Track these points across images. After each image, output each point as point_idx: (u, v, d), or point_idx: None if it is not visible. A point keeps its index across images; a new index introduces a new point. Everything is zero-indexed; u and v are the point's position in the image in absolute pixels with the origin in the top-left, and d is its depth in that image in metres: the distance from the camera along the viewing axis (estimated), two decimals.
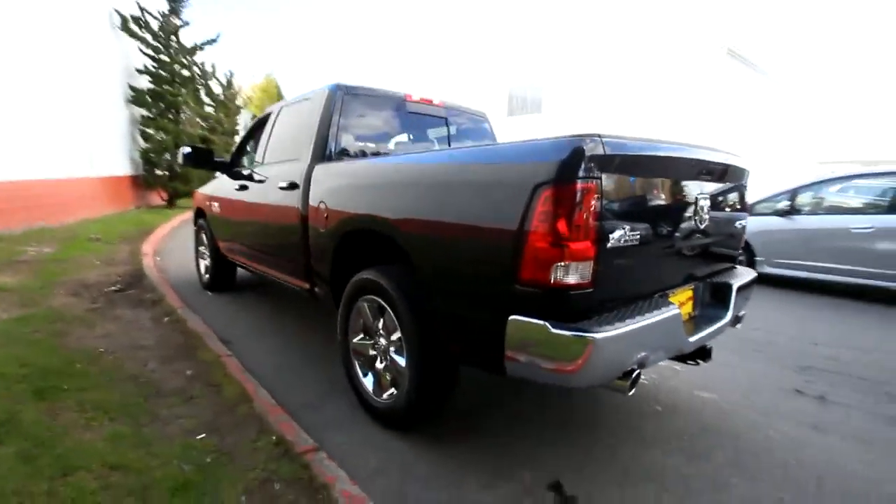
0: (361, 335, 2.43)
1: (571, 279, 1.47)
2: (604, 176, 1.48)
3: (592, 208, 1.45)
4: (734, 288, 2.20)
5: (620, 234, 1.55)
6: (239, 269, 4.49)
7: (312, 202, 2.70)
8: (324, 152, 2.81)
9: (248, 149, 4.33)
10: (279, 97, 31.68)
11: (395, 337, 2.18)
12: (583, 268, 1.47)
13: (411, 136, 3.37)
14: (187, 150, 4.05)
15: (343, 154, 2.87)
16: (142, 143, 11.46)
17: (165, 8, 11.83)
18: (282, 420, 2.11)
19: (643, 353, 1.60)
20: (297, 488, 1.71)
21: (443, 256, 1.85)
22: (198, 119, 13.05)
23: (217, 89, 16.25)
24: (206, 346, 3.01)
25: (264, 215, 3.33)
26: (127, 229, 8.41)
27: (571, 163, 1.44)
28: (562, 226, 1.44)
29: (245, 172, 3.76)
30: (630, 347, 1.55)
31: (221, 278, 4.69)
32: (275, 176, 3.21)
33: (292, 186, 2.90)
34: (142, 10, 11.05)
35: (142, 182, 11.77)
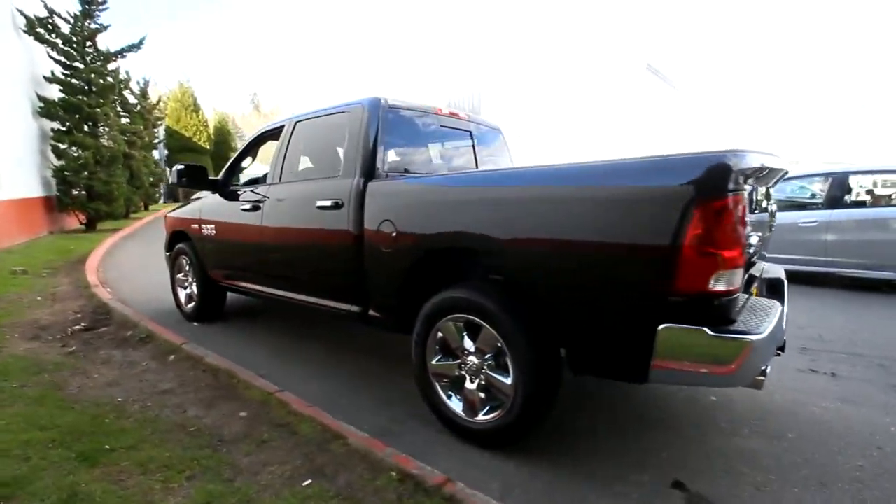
0: (440, 356, 2.37)
1: (724, 286, 1.57)
2: (746, 187, 1.60)
3: (740, 219, 1.57)
4: (785, 282, 2.45)
5: (751, 241, 1.69)
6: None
7: (370, 221, 2.58)
8: (372, 169, 2.71)
9: (244, 166, 4.05)
10: (195, 108, 29.51)
11: (490, 355, 2.15)
12: (734, 275, 1.58)
13: (447, 151, 3.35)
14: (181, 167, 3.69)
15: (392, 171, 2.78)
16: (54, 161, 10.11)
17: (77, 9, 10.58)
18: (393, 453, 1.99)
19: (773, 349, 1.74)
20: None
21: (567, 273, 1.86)
22: (118, 132, 11.77)
23: (132, 99, 14.86)
24: (247, 382, 2.74)
25: (293, 237, 3.12)
26: (51, 258, 7.38)
27: (723, 178, 1.54)
28: (718, 236, 1.53)
29: (255, 191, 3.49)
30: (771, 345, 1.68)
31: (211, 307, 4.29)
32: (305, 194, 3.02)
33: (337, 206, 2.75)
34: (49, 11, 9.80)
35: (55, 203, 10.37)
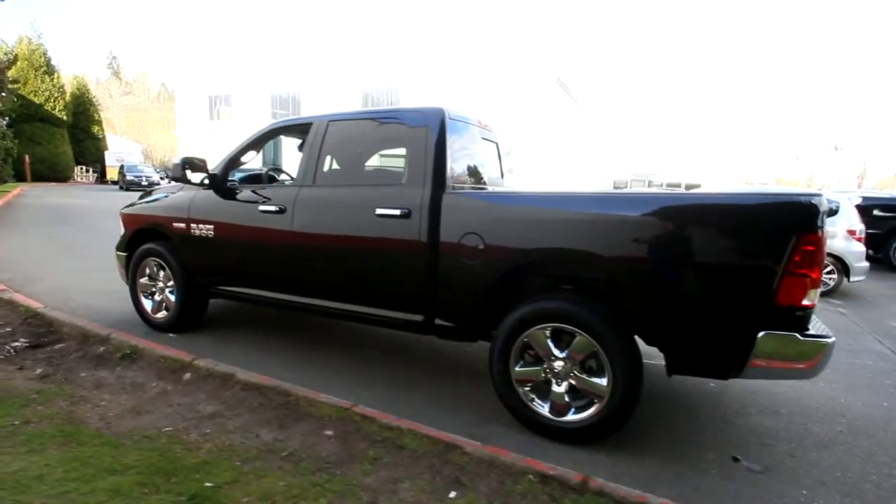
0: (523, 362, 2.53)
1: (811, 301, 2.00)
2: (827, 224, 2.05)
3: (824, 248, 2.01)
4: None
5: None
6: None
7: (450, 233, 2.62)
8: (443, 181, 2.74)
9: (244, 161, 3.70)
10: (48, 70, 24.70)
11: (581, 360, 2.38)
12: (816, 292, 2.02)
13: (484, 162, 3.45)
14: (185, 158, 3.27)
15: (456, 182, 2.83)
16: None
17: None
18: (519, 457, 2.11)
19: None
20: None
21: (678, 287, 2.15)
22: None
23: None
24: (309, 399, 2.59)
25: (339, 244, 2.98)
26: None
27: (816, 215, 1.96)
28: (813, 262, 1.95)
29: (275, 193, 3.24)
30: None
31: (192, 316, 3.85)
32: (356, 201, 2.92)
33: (405, 215, 2.73)
34: None
35: None
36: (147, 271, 3.93)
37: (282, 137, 3.83)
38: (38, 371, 2.99)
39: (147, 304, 3.96)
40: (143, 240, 3.94)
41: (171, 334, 3.80)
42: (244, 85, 24.78)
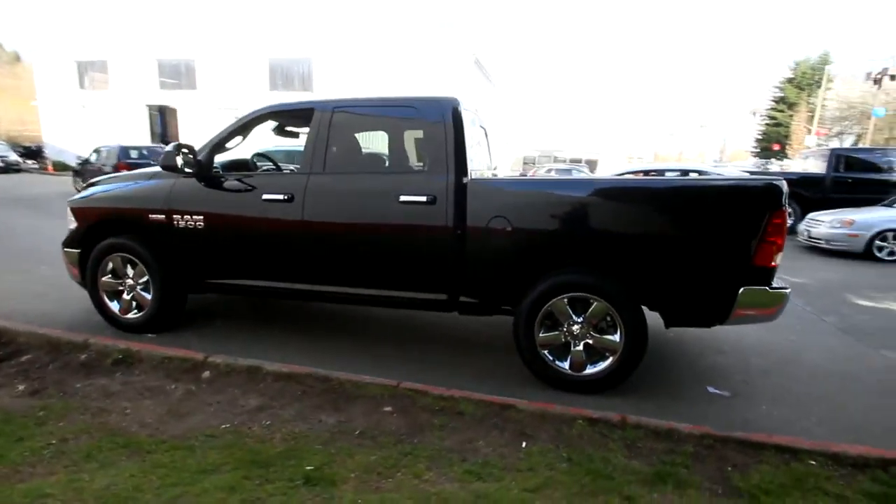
0: (544, 329, 2.88)
1: (776, 262, 2.59)
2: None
3: (787, 220, 2.59)
4: None
5: None
6: None
7: (477, 217, 2.83)
8: (464, 167, 2.93)
9: (229, 147, 3.51)
10: None
11: (597, 322, 2.79)
12: (781, 255, 2.61)
13: (480, 147, 3.65)
14: (171, 147, 3.03)
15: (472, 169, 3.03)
16: None
17: None
18: (566, 407, 2.47)
19: None
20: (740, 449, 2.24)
21: (673, 255, 2.62)
22: None
23: None
24: (353, 381, 2.69)
25: (360, 231, 3.03)
26: None
27: (781, 195, 2.52)
28: (780, 231, 2.52)
29: (282, 180, 3.16)
30: None
31: (172, 314, 3.61)
32: (377, 189, 2.99)
33: (430, 202, 2.88)
34: None
35: None
36: (109, 269, 3.57)
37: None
38: (21, 388, 2.66)
39: (114, 305, 3.62)
40: (102, 234, 3.56)
41: (149, 334, 3.54)
42: (123, 49, 21.43)
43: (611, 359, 2.81)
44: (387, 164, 3.27)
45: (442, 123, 2.96)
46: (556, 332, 2.87)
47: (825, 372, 3.31)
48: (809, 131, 32.37)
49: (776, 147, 42.62)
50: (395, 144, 3.17)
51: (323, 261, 3.17)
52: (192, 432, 2.22)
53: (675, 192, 2.73)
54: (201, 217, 3.29)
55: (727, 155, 49.41)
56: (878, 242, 7.03)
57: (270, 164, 4.05)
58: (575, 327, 2.83)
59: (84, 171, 13.99)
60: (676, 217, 2.65)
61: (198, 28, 20.60)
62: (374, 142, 3.25)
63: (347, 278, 3.16)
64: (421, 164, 2.98)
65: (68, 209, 3.71)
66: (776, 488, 1.97)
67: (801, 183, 9.56)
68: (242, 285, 3.38)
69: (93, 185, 3.89)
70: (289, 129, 4.03)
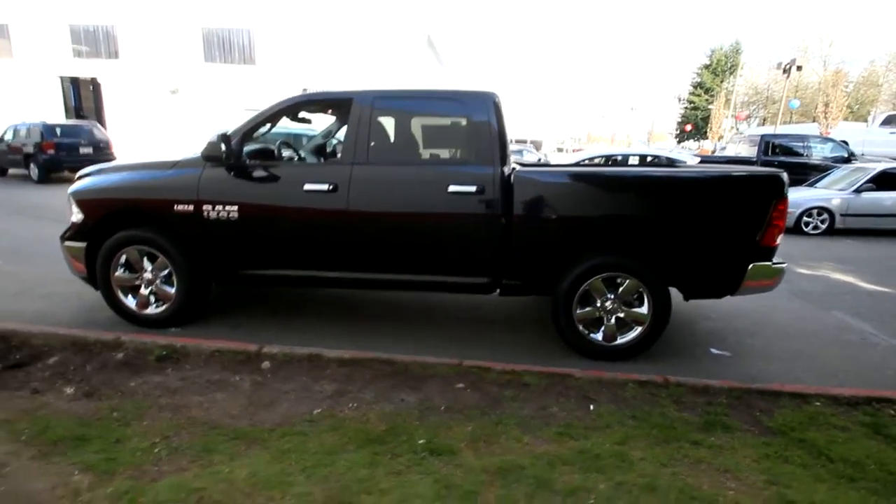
0: (581, 306, 3.19)
1: (778, 242, 3.05)
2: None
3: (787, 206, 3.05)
4: None
5: None
6: None
7: (523, 205, 3.04)
8: (506, 158, 3.12)
9: (258, 134, 3.43)
10: None
11: (629, 298, 3.14)
12: (781, 236, 3.07)
13: None
14: (217, 136, 2.94)
15: None
16: None
17: None
18: (617, 374, 2.80)
19: None
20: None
21: (695, 237, 3.01)
22: None
23: None
24: (418, 363, 2.84)
25: (408, 220, 3.14)
26: None
27: (784, 185, 2.97)
28: (783, 216, 2.98)
29: (323, 170, 3.17)
30: None
31: (199, 305, 3.53)
32: (426, 179, 3.10)
33: (480, 191, 3.04)
34: None
35: None
36: (123, 262, 3.40)
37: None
38: (69, 391, 2.54)
39: (129, 301, 3.46)
40: (112, 227, 3.37)
41: (172, 329, 3.44)
42: (27, 11, 18.67)
43: (639, 329, 3.19)
44: (432, 155, 3.37)
45: (487, 116, 3.11)
46: (591, 308, 3.19)
47: (795, 331, 3.93)
48: (727, 116, 35.51)
49: (688, 128, 46.45)
50: (440, 136, 3.28)
51: (367, 249, 3.24)
52: (289, 420, 2.29)
53: (698, 182, 3.11)
54: (236, 207, 3.22)
55: (652, 137, 53.14)
56: (805, 218, 8.14)
57: (292, 152, 3.96)
58: (608, 303, 3.17)
59: None
60: (700, 204, 3.03)
61: None
62: (416, 133, 3.32)
63: (391, 265, 3.27)
64: (465, 155, 3.12)
65: (70, 200, 3.45)
66: (797, 425, 2.43)
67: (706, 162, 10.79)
68: (279, 275, 3.37)
69: (91, 174, 3.62)
70: (303, 115, 3.95)
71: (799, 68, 24.36)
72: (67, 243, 3.47)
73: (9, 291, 4.12)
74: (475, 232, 3.13)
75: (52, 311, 3.71)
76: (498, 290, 3.28)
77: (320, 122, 4.57)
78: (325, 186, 3.14)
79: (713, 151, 23.17)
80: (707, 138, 39.79)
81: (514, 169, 3.12)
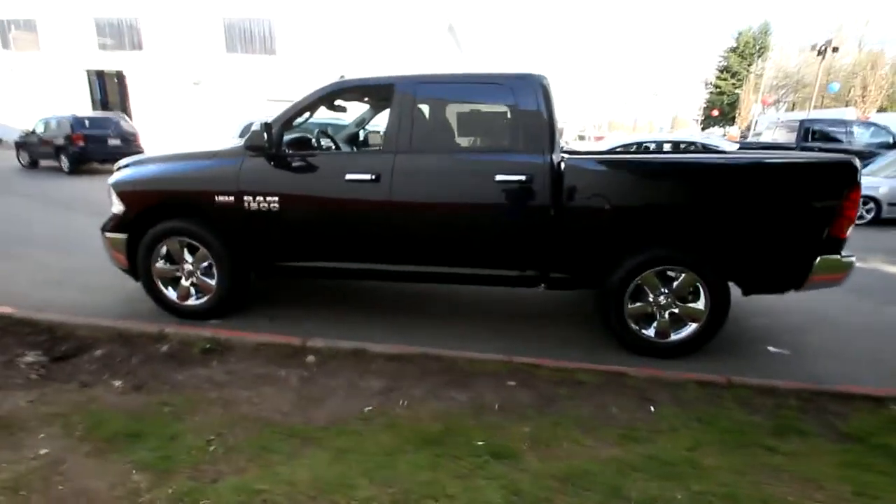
0: (632, 300, 3.05)
1: (847, 233, 2.85)
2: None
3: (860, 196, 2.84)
4: None
5: None
6: None
7: (574, 196, 2.90)
8: (555, 146, 2.97)
9: (296, 123, 3.35)
10: None
11: (682, 292, 2.98)
12: (851, 228, 2.87)
13: None
14: (260, 125, 2.88)
15: None
16: None
17: None
18: (676, 373, 2.67)
19: None
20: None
21: (760, 228, 2.83)
22: None
23: None
24: (465, 359, 2.76)
25: (453, 211, 3.03)
26: None
27: (857, 172, 2.76)
28: (855, 206, 2.78)
29: (364, 159, 3.08)
30: None
31: (237, 298, 3.49)
32: (472, 168, 2.98)
33: (528, 181, 2.91)
34: None
35: None
36: (163, 253, 3.38)
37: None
38: (118, 384, 2.53)
39: (171, 292, 3.45)
40: (153, 218, 3.35)
41: (213, 321, 3.41)
42: (53, 5, 18.93)
43: (694, 326, 3.03)
44: (478, 142, 3.24)
45: (535, 101, 2.97)
46: (643, 303, 3.05)
47: (854, 328, 3.72)
48: (755, 101, 34.30)
49: (715, 113, 45.05)
50: (485, 122, 3.15)
51: (410, 241, 3.15)
52: (342, 417, 2.23)
53: (763, 168, 2.91)
54: (276, 198, 3.15)
55: (677, 123, 51.76)
56: None
57: (329, 141, 3.88)
58: (661, 298, 3.02)
59: (29, 145, 12.64)
60: (764, 193, 2.83)
61: None
62: (460, 119, 3.20)
63: (434, 257, 3.17)
64: (513, 143, 2.98)
65: (111, 191, 3.43)
66: (876, 430, 2.27)
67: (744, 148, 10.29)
68: (317, 267, 3.31)
69: (129, 165, 3.60)
70: (339, 103, 3.86)
71: (835, 50, 23.28)
72: (108, 234, 3.47)
73: (49, 281, 4.16)
74: (522, 223, 3.01)
75: (94, 302, 3.73)
76: (544, 284, 3.17)
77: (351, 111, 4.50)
78: (367, 176, 3.05)
79: (742, 137, 22.42)
80: (734, 124, 38.59)
81: (563, 157, 2.98)
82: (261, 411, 2.27)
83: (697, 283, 2.95)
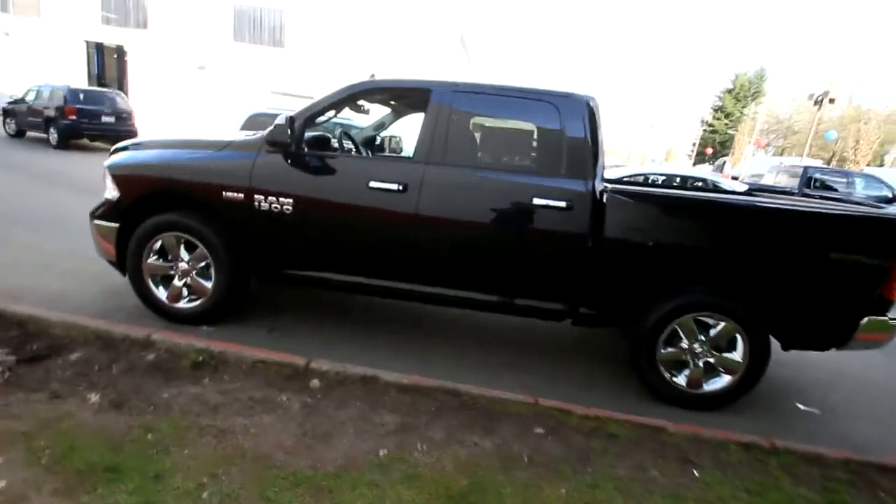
0: (666, 346, 2.84)
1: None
2: None
3: None
4: None
5: None
6: None
7: (616, 227, 2.69)
8: (601, 173, 2.77)
9: (319, 121, 3.10)
10: None
11: (719, 341, 2.78)
12: None
13: None
14: (285, 118, 2.62)
15: None
16: None
17: None
18: (717, 431, 2.45)
19: None
20: None
21: (810, 281, 2.65)
22: None
23: None
24: (486, 397, 2.50)
25: (480, 231, 2.79)
26: None
27: None
28: None
29: (391, 167, 2.84)
30: None
31: (234, 302, 3.19)
32: (506, 188, 2.76)
33: (567, 207, 2.70)
34: None
35: None
36: (157, 248, 3.07)
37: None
38: (94, 398, 2.20)
39: (161, 292, 3.13)
40: (150, 208, 3.04)
41: (204, 327, 3.11)
42: None
43: (729, 377, 2.83)
44: (516, 161, 3.02)
45: (581, 123, 2.77)
46: (677, 350, 2.84)
47: (877, 386, 3.58)
48: (749, 142, 35.07)
49: (709, 151, 45.99)
50: (525, 140, 2.93)
51: (433, 260, 2.90)
52: (354, 461, 1.95)
53: (823, 219, 2.74)
54: (290, 200, 2.88)
55: (670, 156, 52.64)
56: None
57: (351, 144, 3.62)
58: (696, 345, 2.82)
59: (17, 113, 12.07)
60: (820, 244, 2.66)
61: None
62: (498, 134, 2.98)
63: (457, 280, 2.93)
64: (554, 165, 2.77)
65: (107, 174, 3.12)
66: None
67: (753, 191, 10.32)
68: (329, 279, 3.03)
69: (129, 147, 3.29)
70: (363, 104, 3.61)
71: (832, 101, 23.92)
72: (98, 222, 3.14)
73: (30, 266, 3.79)
74: (557, 252, 2.79)
75: (75, 293, 3.39)
76: (571, 319, 2.94)
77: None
78: (393, 185, 2.79)
79: (732, 178, 22.76)
80: (714, 162, 39.30)
81: (606, 186, 2.78)
82: (260, 446, 1.98)
83: (736, 333, 2.76)
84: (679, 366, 2.87)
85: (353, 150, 3.58)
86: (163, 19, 18.76)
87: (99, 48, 20.12)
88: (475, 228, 2.83)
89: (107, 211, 3.12)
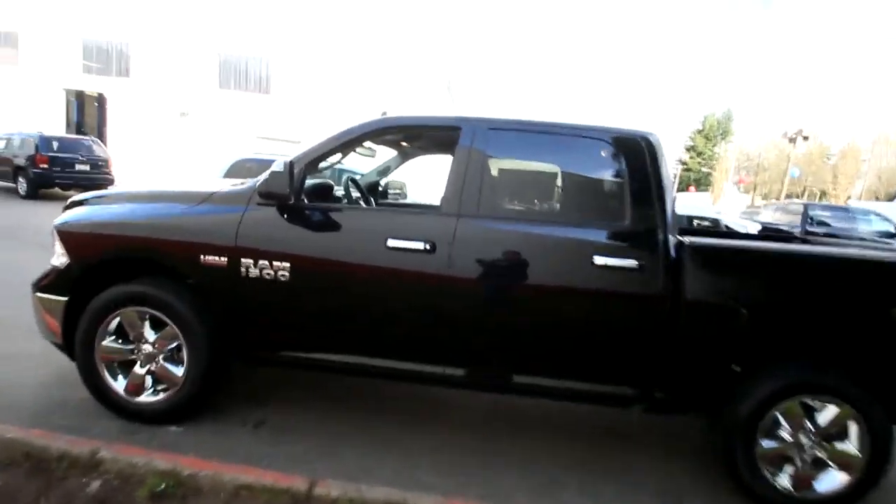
0: (765, 440, 2.24)
1: None
2: None
3: None
4: None
5: None
6: None
7: (700, 290, 2.16)
8: (668, 224, 2.26)
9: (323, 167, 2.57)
10: None
11: (832, 430, 2.21)
12: None
13: None
14: (283, 164, 2.08)
15: None
16: None
17: None
18: None
19: None
20: None
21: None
22: None
23: None
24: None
25: (529, 297, 2.24)
26: None
27: None
28: None
29: (415, 221, 2.29)
30: None
31: (209, 393, 2.51)
32: (555, 244, 2.24)
33: (639, 268, 2.17)
34: None
35: None
36: (115, 328, 2.42)
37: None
38: None
39: (118, 382, 2.45)
40: (107, 277, 2.42)
41: (172, 427, 2.41)
42: (38, 21, 18.06)
43: (844, 474, 2.24)
44: (568, 211, 2.49)
45: (645, 166, 2.28)
46: (781, 444, 2.24)
47: None
48: (726, 180, 36.04)
49: (692, 189, 47.30)
50: (578, 186, 2.44)
51: (469, 336, 2.31)
52: None
53: None
54: (287, 264, 2.28)
55: None
56: None
57: (357, 191, 3.06)
58: (802, 437, 2.24)
59: None
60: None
61: (134, 8, 18.01)
62: (543, 179, 2.48)
63: (499, 360, 2.33)
64: (617, 215, 2.27)
65: (54, 235, 2.50)
66: None
67: (770, 233, 10.13)
68: (341, 362, 2.39)
69: (87, 202, 2.69)
70: (369, 145, 3.11)
71: (805, 138, 24.74)
72: (41, 294, 2.49)
73: None
74: (626, 323, 2.23)
75: (9, 381, 2.68)
76: (643, 405, 2.35)
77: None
78: (418, 245, 2.23)
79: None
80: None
81: (682, 239, 2.27)
82: None
83: (850, 420, 2.19)
84: (779, 462, 2.27)
85: (362, 200, 3.03)
86: (145, 68, 18.55)
87: (79, 95, 19.74)
88: (522, 295, 2.27)
89: (53, 281, 2.47)
